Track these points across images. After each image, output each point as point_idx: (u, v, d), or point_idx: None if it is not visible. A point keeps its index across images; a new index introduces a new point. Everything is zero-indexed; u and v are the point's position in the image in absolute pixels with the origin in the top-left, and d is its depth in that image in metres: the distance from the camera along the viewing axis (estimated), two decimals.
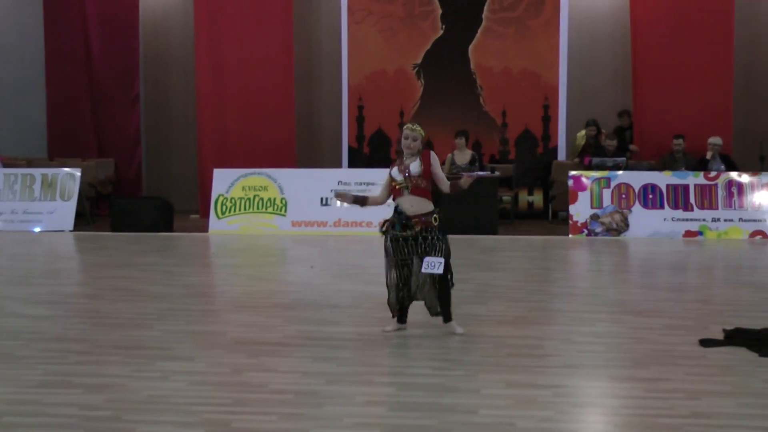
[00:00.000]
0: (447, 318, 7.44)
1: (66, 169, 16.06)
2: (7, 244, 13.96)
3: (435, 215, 7.27)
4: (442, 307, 7.42)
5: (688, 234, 14.12)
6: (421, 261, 7.16)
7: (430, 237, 7.20)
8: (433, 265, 7.10)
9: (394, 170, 7.33)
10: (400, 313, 7.55)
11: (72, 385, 6.06)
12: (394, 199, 7.37)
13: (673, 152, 15.49)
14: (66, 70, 18.01)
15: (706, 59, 16.22)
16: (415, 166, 7.25)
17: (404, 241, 7.22)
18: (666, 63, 16.33)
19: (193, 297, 9.42)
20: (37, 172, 16.04)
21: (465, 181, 7.46)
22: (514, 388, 5.97)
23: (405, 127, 7.40)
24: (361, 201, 7.71)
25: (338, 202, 14.61)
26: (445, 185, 7.44)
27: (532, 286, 10.05)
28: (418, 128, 7.35)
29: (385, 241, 7.34)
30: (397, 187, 7.30)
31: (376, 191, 7.61)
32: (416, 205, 7.23)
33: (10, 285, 10.14)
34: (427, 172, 7.29)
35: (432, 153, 7.42)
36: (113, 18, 17.89)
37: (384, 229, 7.35)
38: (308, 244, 13.72)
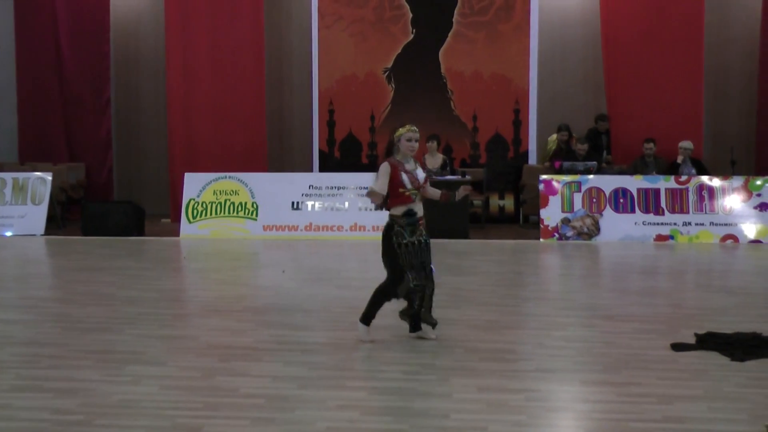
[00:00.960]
0: (419, 326, 7.54)
1: (37, 173, 15.96)
2: None
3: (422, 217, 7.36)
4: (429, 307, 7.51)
5: (660, 238, 14.21)
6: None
7: (426, 240, 7.31)
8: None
9: (404, 176, 7.24)
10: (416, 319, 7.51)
11: (43, 390, 6.04)
12: (392, 205, 7.33)
13: (644, 156, 15.57)
14: (37, 74, 17.90)
15: (677, 63, 16.32)
16: (421, 174, 7.35)
17: (417, 243, 7.23)
18: (637, 67, 16.42)
19: (165, 301, 9.39)
20: (8, 176, 15.92)
21: (460, 193, 7.58)
22: (486, 392, 5.99)
23: (407, 129, 7.36)
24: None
25: (313, 205, 14.64)
26: (434, 193, 7.54)
27: (503, 291, 10.08)
28: (417, 130, 7.42)
29: (404, 247, 7.20)
30: (406, 194, 7.25)
31: (380, 187, 7.35)
32: (421, 209, 7.35)
33: None
34: (427, 178, 7.44)
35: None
36: (84, 22, 17.80)
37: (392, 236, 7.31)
38: (279, 249, 13.71)
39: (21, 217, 15.48)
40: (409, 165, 7.35)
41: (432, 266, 7.30)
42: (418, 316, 7.42)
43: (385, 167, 7.33)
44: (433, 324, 7.47)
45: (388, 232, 7.30)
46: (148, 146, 18.69)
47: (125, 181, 18.80)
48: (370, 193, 7.36)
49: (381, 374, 6.45)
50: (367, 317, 7.41)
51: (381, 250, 7.39)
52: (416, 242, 7.20)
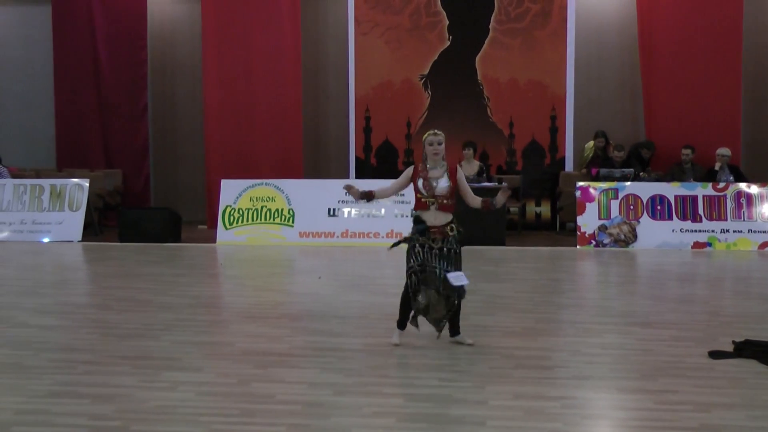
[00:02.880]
0: (457, 330, 7.48)
1: (74, 179, 16.10)
2: (16, 254, 13.98)
3: (452, 224, 7.25)
4: (454, 318, 7.42)
5: (697, 245, 14.10)
6: (440, 273, 7.15)
7: (446, 248, 7.20)
8: (459, 278, 7.14)
9: (420, 182, 7.28)
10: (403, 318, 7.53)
11: (80, 395, 6.06)
12: (415, 209, 7.38)
13: (682, 163, 15.47)
14: (74, 81, 18.09)
15: (715, 69, 16.21)
16: (443, 184, 7.26)
17: (421, 248, 7.21)
18: (674, 73, 16.33)
19: (201, 308, 9.42)
20: (46, 182, 16.08)
21: (499, 199, 7.47)
22: (522, 399, 5.95)
23: (429, 133, 7.42)
24: (368, 196, 7.62)
25: (345, 212, 14.66)
26: (474, 201, 7.46)
27: (539, 298, 10.02)
28: (441, 133, 7.39)
29: (410, 249, 7.30)
30: (422, 200, 7.28)
31: (384, 185, 7.66)
32: (439, 218, 7.24)
33: (18, 295, 10.14)
34: (453, 189, 7.31)
35: (459, 168, 7.45)
36: (121, 30, 17.97)
37: (401, 240, 7.47)
38: (315, 255, 13.72)
39: (58, 224, 15.61)
40: (436, 172, 7.33)
41: (458, 276, 7.14)
42: (453, 320, 7.42)
43: (408, 170, 7.51)
44: (439, 331, 7.45)
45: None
46: (185, 153, 18.80)
47: (162, 188, 18.92)
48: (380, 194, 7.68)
49: (417, 381, 6.42)
50: (400, 321, 7.47)
51: None
52: (418, 245, 7.21)
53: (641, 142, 16.41)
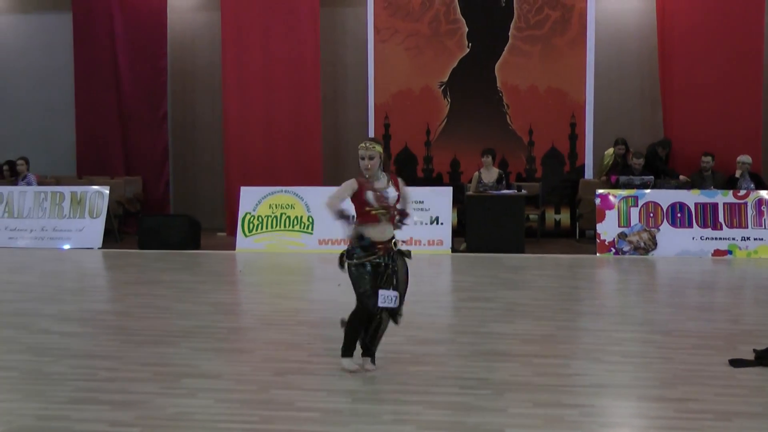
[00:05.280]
0: (369, 351, 6.95)
1: (94, 187, 16.17)
2: (37, 261, 14.05)
3: (395, 240, 6.78)
4: (373, 338, 6.90)
5: (717, 253, 14.03)
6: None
7: (392, 265, 6.69)
8: (389, 299, 6.60)
9: (370, 194, 6.65)
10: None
11: (100, 402, 6.09)
12: (361, 223, 6.74)
13: (702, 170, 15.40)
14: (95, 89, 18.16)
15: (736, 76, 16.13)
16: (392, 194, 6.74)
17: (363, 267, 6.73)
18: (694, 80, 16.25)
19: (220, 315, 9.44)
20: (66, 189, 16.15)
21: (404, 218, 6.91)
22: (542, 407, 5.94)
23: (360, 146, 6.79)
24: (345, 217, 6.83)
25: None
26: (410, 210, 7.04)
27: (559, 305, 10.00)
28: (374, 145, 6.73)
29: (351, 268, 6.81)
30: (372, 212, 6.69)
31: (339, 194, 6.76)
32: (387, 232, 6.74)
33: (39, 302, 10.19)
34: (398, 199, 6.81)
35: (400, 179, 6.92)
36: (142, 37, 18.04)
37: (343, 261, 6.90)
38: (334, 263, 13.70)
39: (79, 231, 15.68)
40: (380, 183, 6.75)
41: (388, 295, 6.61)
42: (371, 339, 6.90)
43: (349, 182, 6.78)
44: (372, 358, 6.94)
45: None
46: (204, 160, 18.86)
47: (181, 195, 18.97)
48: (327, 203, 6.73)
49: (436, 388, 6.42)
50: (346, 348, 6.88)
51: None
52: (363, 265, 6.71)
53: (656, 142, 16.37)
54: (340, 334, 8.00)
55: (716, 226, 14.18)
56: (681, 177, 15.50)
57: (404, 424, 5.61)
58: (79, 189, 16.16)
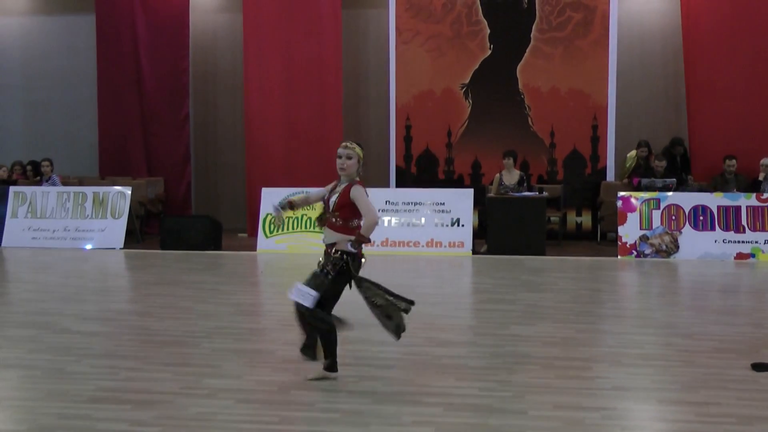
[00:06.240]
0: (311, 352, 6.66)
1: (117, 187, 16.25)
2: (60, 261, 14.13)
3: (337, 249, 6.55)
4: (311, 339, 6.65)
5: (740, 256, 13.95)
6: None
7: (325, 269, 6.57)
8: (300, 293, 6.54)
9: (328, 197, 6.68)
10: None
11: (121, 401, 6.11)
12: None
13: (725, 173, 15.33)
14: (117, 90, 18.26)
15: (760, 78, 16.06)
16: (334, 199, 6.62)
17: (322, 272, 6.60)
18: (717, 82, 16.20)
19: (241, 315, 9.47)
20: (89, 190, 16.24)
21: (354, 243, 6.58)
22: (562, 409, 5.92)
23: (340, 145, 6.72)
24: (287, 206, 7.06)
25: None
26: (367, 223, 6.63)
27: (580, 308, 9.96)
28: (353, 147, 6.69)
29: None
30: (325, 215, 6.70)
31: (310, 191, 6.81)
32: (327, 236, 6.63)
33: (62, 301, 10.24)
34: (341, 205, 6.59)
35: (356, 186, 6.65)
36: (164, 39, 18.12)
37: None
38: None
39: (101, 231, 15.75)
40: (340, 186, 6.68)
41: (302, 290, 6.56)
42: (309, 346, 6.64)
43: (331, 184, 6.88)
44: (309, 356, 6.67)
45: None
46: (226, 161, 18.92)
47: (203, 196, 19.04)
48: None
49: (456, 390, 6.41)
50: (332, 364, 6.69)
51: None
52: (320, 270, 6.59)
53: (669, 144, 16.31)
54: (361, 335, 8.03)
55: (739, 229, 14.10)
56: (689, 179, 15.35)
57: (424, 426, 5.60)
58: (101, 189, 16.23)
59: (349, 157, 6.64)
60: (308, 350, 6.63)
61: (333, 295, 6.62)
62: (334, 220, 6.59)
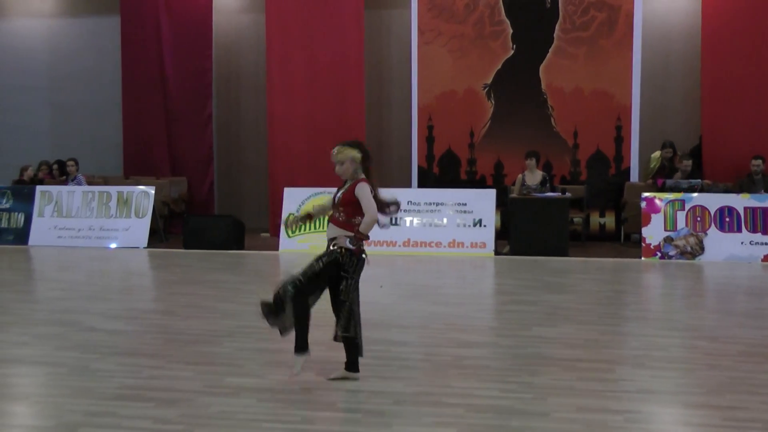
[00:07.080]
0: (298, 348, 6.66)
1: (140, 187, 16.32)
2: (84, 260, 14.21)
3: (337, 244, 6.59)
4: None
5: (767, 258, 13.85)
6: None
7: (320, 262, 6.58)
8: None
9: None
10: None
11: (145, 399, 6.14)
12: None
13: (752, 174, 15.19)
14: (141, 91, 18.34)
15: None
16: (338, 194, 6.74)
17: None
18: (742, 81, 16.06)
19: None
20: (113, 189, 16.32)
21: (352, 240, 6.60)
22: (585, 412, 5.90)
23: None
24: (306, 218, 7.14)
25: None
26: (366, 220, 6.61)
27: (603, 309, 9.93)
28: (342, 150, 6.75)
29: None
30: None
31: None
32: (330, 230, 6.69)
33: (87, 300, 10.30)
34: (345, 201, 6.65)
35: (361, 184, 6.66)
36: (187, 39, 18.18)
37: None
38: (377, 264, 13.70)
39: (125, 230, 15.83)
40: (346, 184, 6.77)
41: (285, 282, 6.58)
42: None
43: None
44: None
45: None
46: (249, 161, 18.96)
47: (226, 196, 19.09)
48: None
49: (478, 391, 6.40)
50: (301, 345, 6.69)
51: None
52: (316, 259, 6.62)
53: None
54: (382, 335, 8.03)
55: (766, 230, 13.98)
56: (691, 181, 15.22)
57: (446, 427, 5.60)
58: (125, 189, 16.32)
59: (341, 163, 6.74)
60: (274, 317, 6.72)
61: (316, 280, 6.62)
62: (337, 215, 6.70)
